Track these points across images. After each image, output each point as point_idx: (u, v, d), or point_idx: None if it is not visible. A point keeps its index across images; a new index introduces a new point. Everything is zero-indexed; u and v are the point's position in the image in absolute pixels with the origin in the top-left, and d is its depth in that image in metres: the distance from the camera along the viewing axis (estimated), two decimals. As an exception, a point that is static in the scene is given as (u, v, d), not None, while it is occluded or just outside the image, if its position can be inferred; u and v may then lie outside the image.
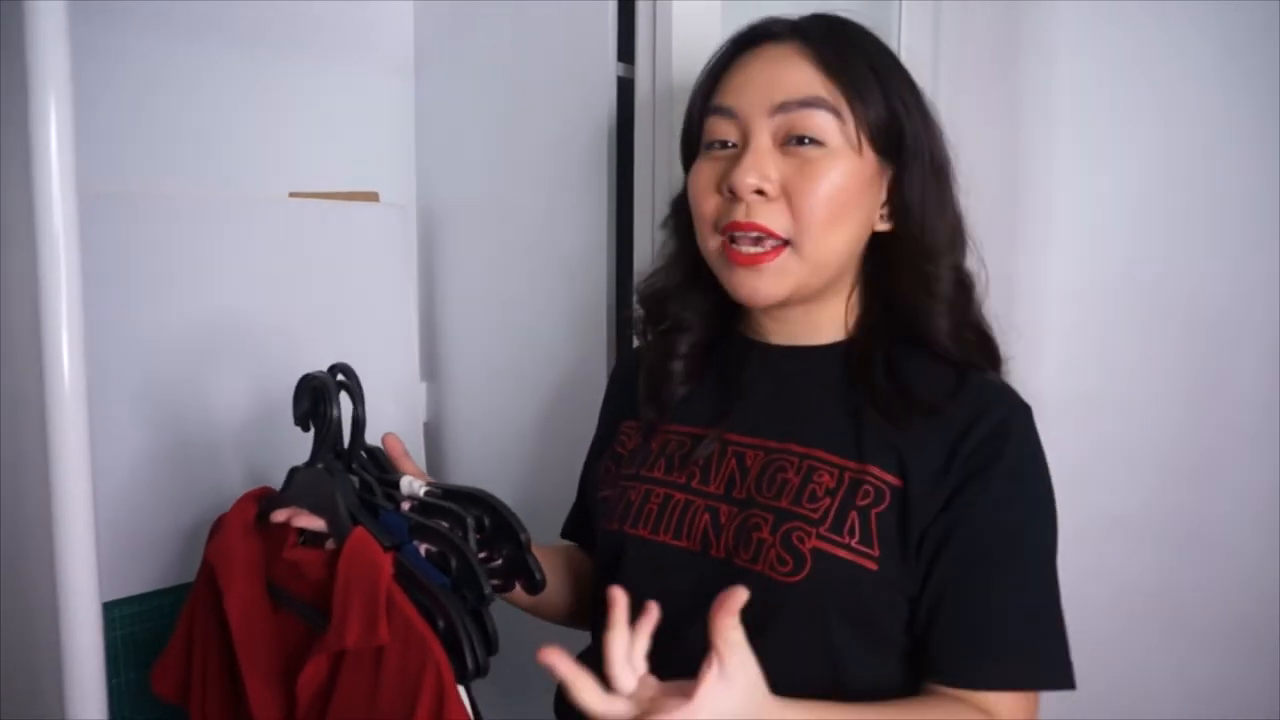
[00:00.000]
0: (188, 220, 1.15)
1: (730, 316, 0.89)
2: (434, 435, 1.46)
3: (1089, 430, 1.26)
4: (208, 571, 0.87)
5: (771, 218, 0.76)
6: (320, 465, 0.84)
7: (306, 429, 0.86)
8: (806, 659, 0.75)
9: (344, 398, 0.85)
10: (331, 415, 0.83)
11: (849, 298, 0.84)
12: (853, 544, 0.73)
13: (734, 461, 0.81)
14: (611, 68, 1.13)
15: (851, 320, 0.84)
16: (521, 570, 0.77)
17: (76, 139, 0.74)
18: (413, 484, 0.82)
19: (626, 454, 0.90)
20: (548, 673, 0.62)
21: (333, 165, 1.36)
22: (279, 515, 0.84)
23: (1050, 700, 0.77)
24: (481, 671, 0.69)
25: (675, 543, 0.80)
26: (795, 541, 0.74)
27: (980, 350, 0.82)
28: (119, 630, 1.08)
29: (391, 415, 1.34)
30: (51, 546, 0.75)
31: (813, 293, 0.80)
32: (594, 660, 0.88)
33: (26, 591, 0.82)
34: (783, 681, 0.73)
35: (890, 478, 0.75)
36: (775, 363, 0.84)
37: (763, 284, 0.77)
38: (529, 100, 1.26)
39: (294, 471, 0.87)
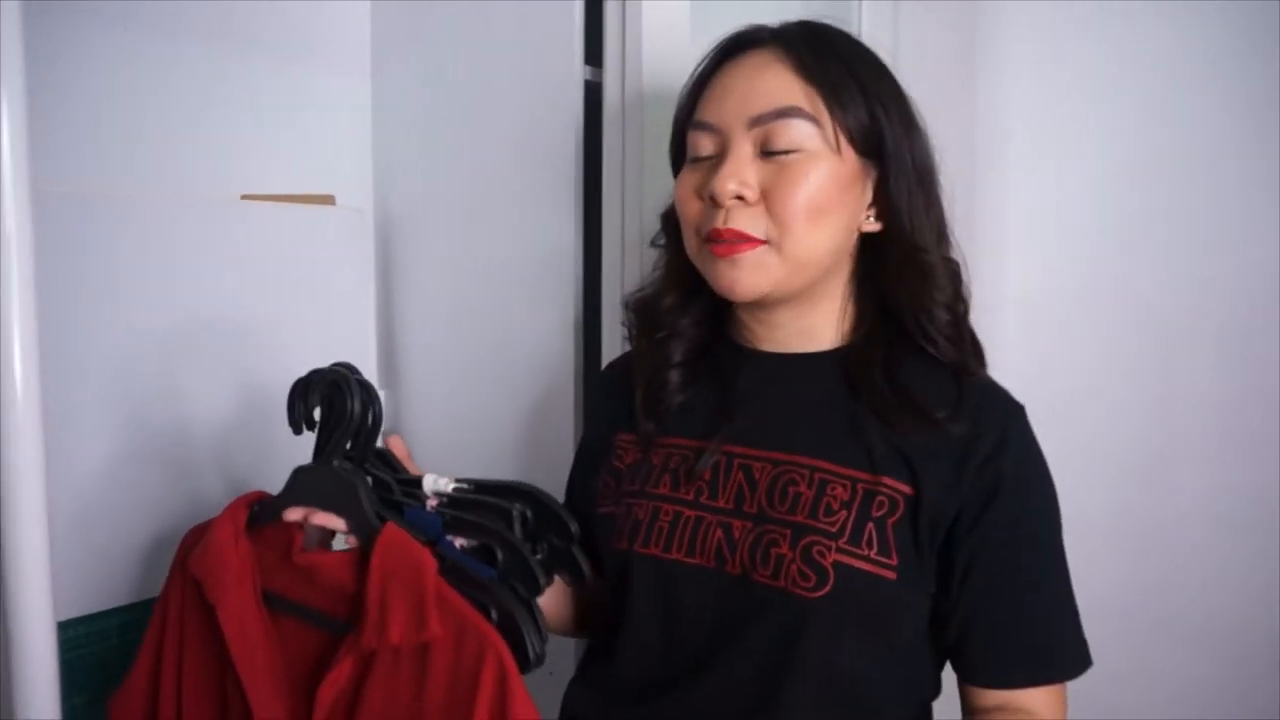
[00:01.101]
0: (137, 222, 1.10)
1: (722, 325, 0.90)
2: (391, 444, 1.42)
3: (1048, 435, 1.27)
4: (188, 587, 0.83)
5: (750, 223, 0.77)
6: (335, 463, 0.81)
7: (300, 431, 0.83)
8: (829, 671, 0.76)
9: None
10: (353, 410, 0.80)
11: (842, 304, 0.85)
12: (872, 555, 0.75)
13: (741, 475, 0.81)
14: (579, 71, 1.12)
15: (847, 327, 0.85)
16: (568, 563, 0.77)
17: (31, 137, 0.71)
18: (438, 481, 0.80)
19: (625, 469, 0.88)
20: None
21: (287, 167, 1.32)
22: (293, 514, 0.81)
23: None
24: (541, 659, 0.69)
25: (689, 560, 0.80)
26: (816, 556, 0.75)
27: (972, 347, 0.84)
28: (71, 652, 1.02)
29: (348, 424, 1.31)
30: (1, 562, 0.71)
31: (796, 292, 0.81)
32: (588, 686, 0.87)
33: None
34: (804, 694, 0.76)
35: (903, 487, 0.77)
36: (769, 371, 0.85)
37: (742, 276, 0.78)
38: (492, 103, 1.24)
39: (300, 471, 0.84)
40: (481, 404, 1.29)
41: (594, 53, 1.13)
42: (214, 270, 1.17)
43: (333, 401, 0.82)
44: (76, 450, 1.02)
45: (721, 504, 0.80)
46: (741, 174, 0.77)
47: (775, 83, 0.78)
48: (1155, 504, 1.25)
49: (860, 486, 0.77)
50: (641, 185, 1.10)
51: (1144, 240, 1.29)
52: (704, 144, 0.81)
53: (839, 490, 0.77)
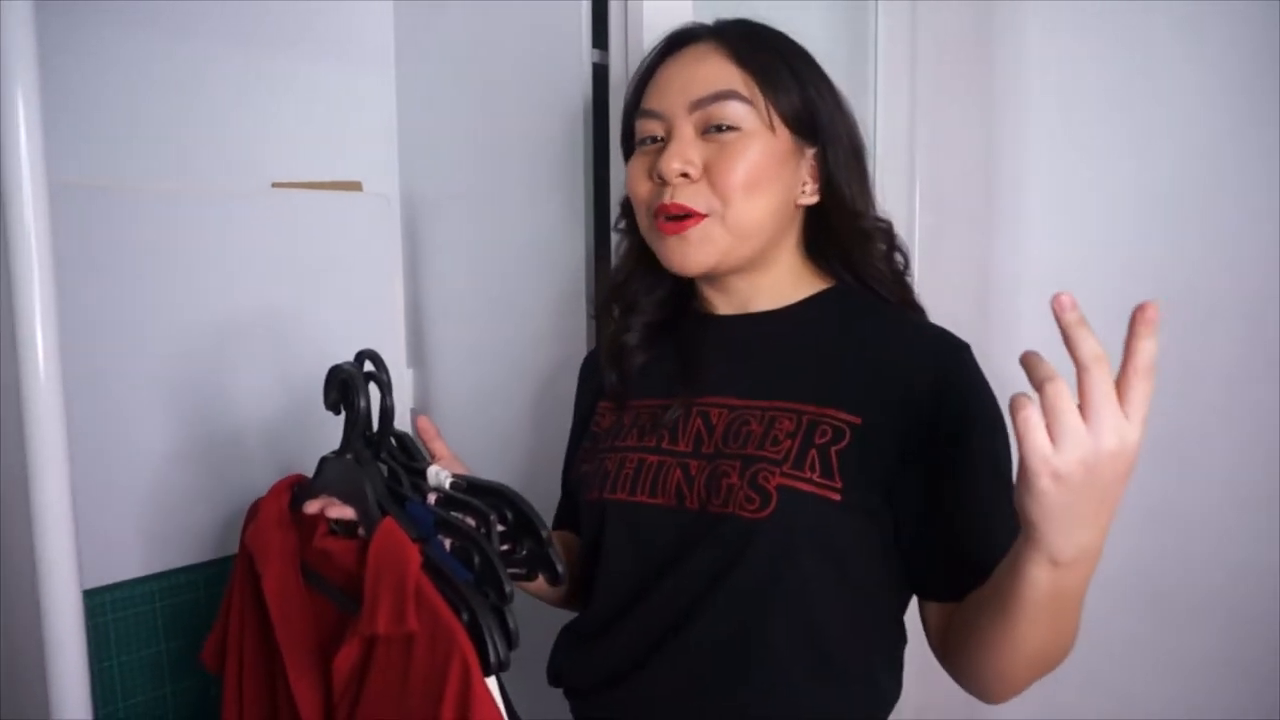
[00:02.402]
0: (171, 212, 1.15)
1: (686, 299, 0.96)
2: (421, 422, 1.47)
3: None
4: (245, 556, 0.91)
5: (693, 198, 0.84)
6: (350, 455, 0.85)
7: (338, 414, 0.88)
8: (782, 598, 0.80)
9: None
10: (359, 405, 0.84)
11: (791, 267, 0.92)
12: (814, 478, 0.79)
13: (699, 421, 0.87)
14: (586, 54, 1.14)
15: (800, 286, 0.92)
16: (544, 564, 0.79)
17: (45, 129, 0.75)
18: (439, 474, 0.83)
19: (602, 431, 0.95)
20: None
21: (316, 156, 1.37)
22: (312, 506, 0.86)
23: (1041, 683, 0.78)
24: (503, 665, 0.71)
25: (651, 500, 0.86)
26: (761, 481, 0.80)
27: (909, 296, 0.93)
28: (160, 602, 1.15)
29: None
30: (30, 535, 0.76)
31: (744, 261, 0.88)
32: (577, 631, 0.91)
33: (12, 580, 0.83)
34: (757, 622, 0.79)
35: (848, 416, 0.81)
36: (728, 331, 0.92)
37: (690, 250, 0.85)
38: (506, 89, 1.27)
39: (324, 461, 0.89)
40: (505, 380, 1.33)
41: (600, 35, 1.15)
42: (247, 255, 1.22)
43: (347, 397, 0.85)
44: (101, 434, 1.08)
45: (681, 447, 0.86)
46: (685, 153, 0.84)
47: (713, 70, 0.85)
48: (1169, 481, 1.23)
49: (805, 418, 0.82)
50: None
51: (1161, 221, 1.27)
52: (650, 128, 0.88)
53: (786, 423, 0.82)
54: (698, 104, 0.84)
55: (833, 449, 0.80)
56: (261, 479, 1.21)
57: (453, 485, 0.82)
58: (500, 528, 0.77)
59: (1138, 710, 1.29)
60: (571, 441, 1.05)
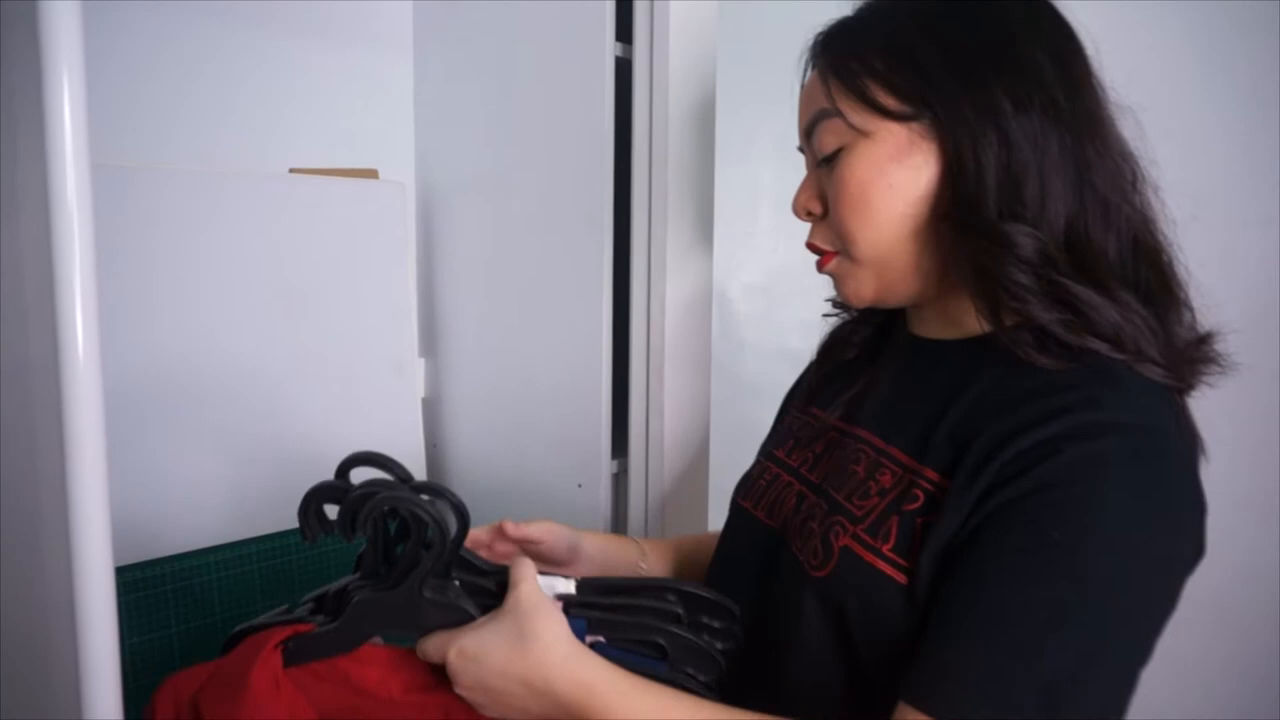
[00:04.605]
0: (189, 194, 1.16)
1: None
2: (432, 411, 1.47)
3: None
4: None
5: (821, 236, 0.76)
6: (428, 594, 0.71)
7: (313, 541, 0.74)
8: (828, 660, 0.69)
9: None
10: (447, 546, 0.70)
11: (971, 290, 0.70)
12: (884, 550, 0.66)
13: (838, 451, 0.78)
14: (609, 48, 1.14)
15: (983, 315, 0.69)
16: (731, 638, 0.74)
17: (89, 110, 0.75)
18: (554, 584, 0.72)
19: (779, 428, 0.93)
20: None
21: (333, 143, 1.38)
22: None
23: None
24: None
25: (761, 517, 0.82)
26: (831, 537, 0.70)
27: (1117, 332, 0.64)
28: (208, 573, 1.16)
29: (390, 391, 1.36)
30: (66, 513, 0.77)
31: (907, 290, 0.74)
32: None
33: (40, 558, 0.83)
34: (772, 669, 0.73)
35: (935, 475, 0.66)
36: (912, 356, 0.78)
37: (842, 285, 0.77)
38: (527, 80, 1.27)
39: (369, 598, 0.72)
40: (517, 370, 1.33)
41: (624, 29, 1.15)
42: (263, 238, 1.22)
43: (406, 532, 0.71)
44: (117, 414, 1.09)
45: (814, 478, 0.79)
46: (803, 193, 0.77)
47: (812, 90, 0.74)
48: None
49: (906, 477, 0.68)
50: (669, 159, 1.12)
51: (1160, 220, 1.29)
52: (807, 164, 0.79)
53: (885, 477, 0.70)
54: (804, 134, 0.76)
55: (919, 520, 0.65)
56: (262, 455, 1.22)
57: (582, 590, 0.73)
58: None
59: (1136, 710, 1.29)
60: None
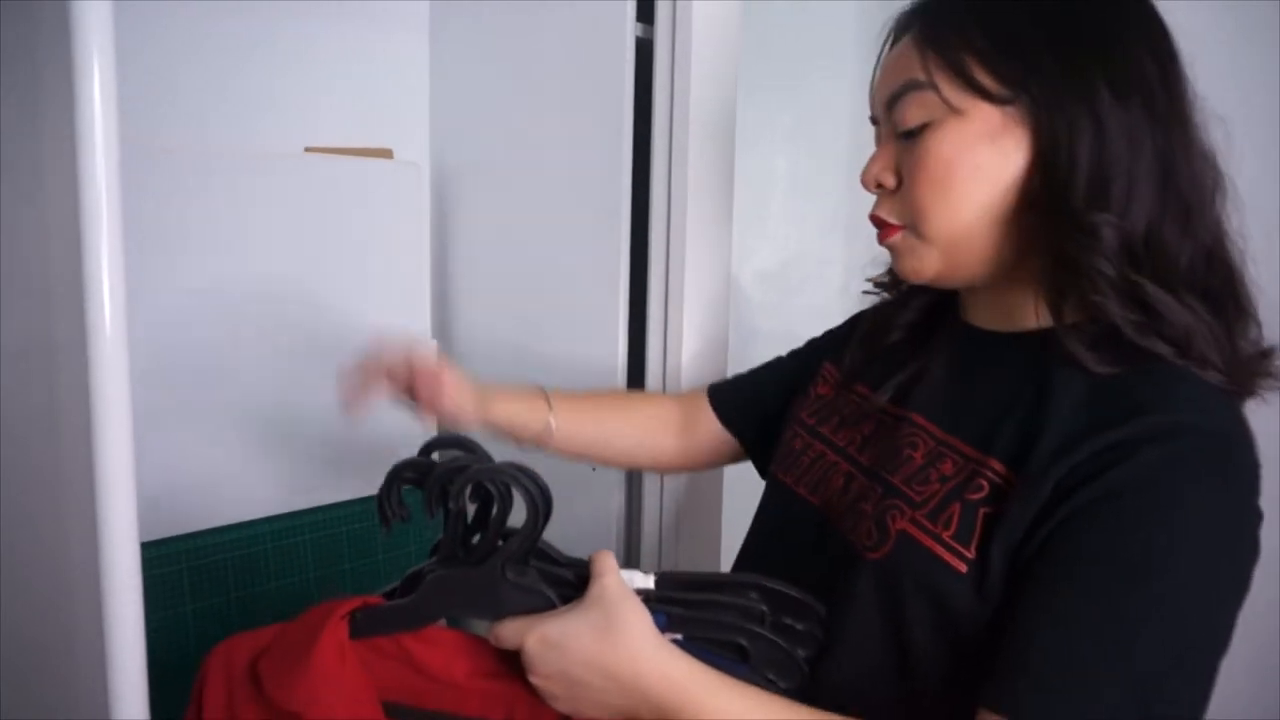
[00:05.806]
0: (203, 173, 1.16)
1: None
2: (444, 392, 1.47)
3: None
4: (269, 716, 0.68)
5: (888, 209, 0.75)
6: (509, 576, 0.69)
7: (391, 524, 0.72)
8: (879, 645, 0.69)
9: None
10: (538, 529, 0.68)
11: (1039, 284, 0.70)
12: (945, 536, 0.66)
13: (885, 432, 0.78)
14: (630, 28, 1.14)
15: (1045, 310, 0.69)
16: (810, 643, 0.72)
17: (119, 88, 0.75)
18: (633, 578, 0.70)
19: (815, 398, 0.90)
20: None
21: (348, 122, 1.37)
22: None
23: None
24: None
25: (807, 496, 0.81)
26: (887, 519, 0.70)
27: (1187, 337, 0.64)
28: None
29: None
30: (92, 489, 0.77)
31: (971, 274, 0.73)
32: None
33: (64, 534, 0.83)
34: (852, 665, 0.71)
35: (1004, 470, 0.66)
36: (966, 345, 0.78)
37: (901, 261, 0.75)
38: (545, 61, 1.26)
39: (448, 574, 0.70)
40: (531, 353, 1.33)
41: (645, 9, 1.14)
42: (278, 217, 1.22)
43: (483, 519, 0.70)
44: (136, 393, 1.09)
45: (864, 459, 0.78)
46: (876, 164, 0.75)
47: (902, 60, 0.72)
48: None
49: (969, 466, 0.68)
50: (689, 141, 1.12)
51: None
52: (877, 135, 0.77)
53: (947, 466, 0.69)
54: (887, 103, 0.73)
55: (982, 510, 0.65)
56: (274, 434, 1.22)
57: (661, 584, 0.70)
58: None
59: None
60: (793, 357, 1.01)
